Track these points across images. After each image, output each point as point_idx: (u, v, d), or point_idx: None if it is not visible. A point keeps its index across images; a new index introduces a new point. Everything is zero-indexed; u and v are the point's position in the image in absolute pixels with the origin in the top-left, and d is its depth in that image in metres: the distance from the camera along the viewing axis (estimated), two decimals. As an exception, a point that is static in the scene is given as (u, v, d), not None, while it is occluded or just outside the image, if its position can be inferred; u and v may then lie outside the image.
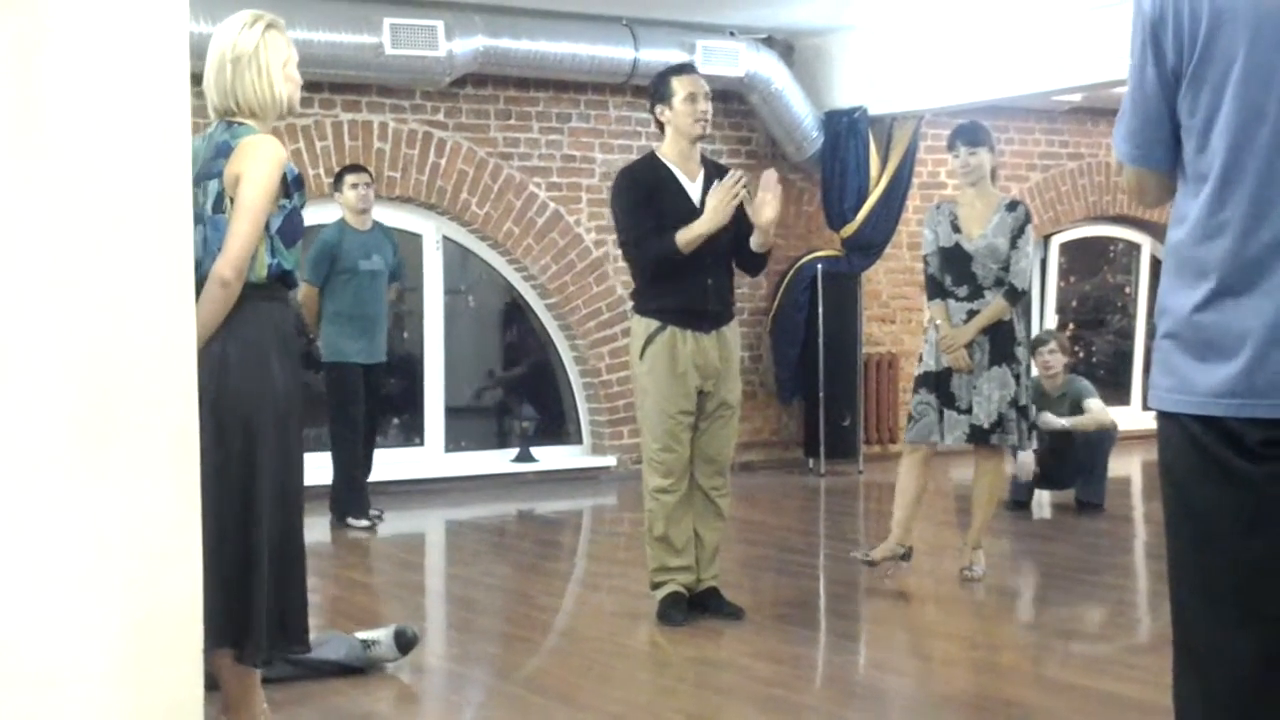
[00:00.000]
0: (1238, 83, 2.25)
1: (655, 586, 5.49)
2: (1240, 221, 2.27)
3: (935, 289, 6.20)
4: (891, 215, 10.02)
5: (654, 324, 5.33)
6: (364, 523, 7.58)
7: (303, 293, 7.64)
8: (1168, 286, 2.39)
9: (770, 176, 5.32)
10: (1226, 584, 2.31)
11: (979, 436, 6.09)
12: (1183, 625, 2.40)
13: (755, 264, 5.54)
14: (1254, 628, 2.28)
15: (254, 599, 3.54)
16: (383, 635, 4.87)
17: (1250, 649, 2.28)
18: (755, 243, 5.33)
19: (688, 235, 5.23)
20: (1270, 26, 2.22)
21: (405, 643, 4.89)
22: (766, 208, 5.24)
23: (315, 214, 8.25)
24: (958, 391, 6.09)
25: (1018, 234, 6.06)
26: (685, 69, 5.63)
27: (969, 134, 6.18)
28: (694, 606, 5.46)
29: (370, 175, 7.86)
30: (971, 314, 6.07)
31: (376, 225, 7.79)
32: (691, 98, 5.34)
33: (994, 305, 6.04)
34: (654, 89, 5.50)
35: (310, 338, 7.74)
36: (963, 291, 6.11)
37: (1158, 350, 2.40)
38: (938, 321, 6.16)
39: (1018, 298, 6.09)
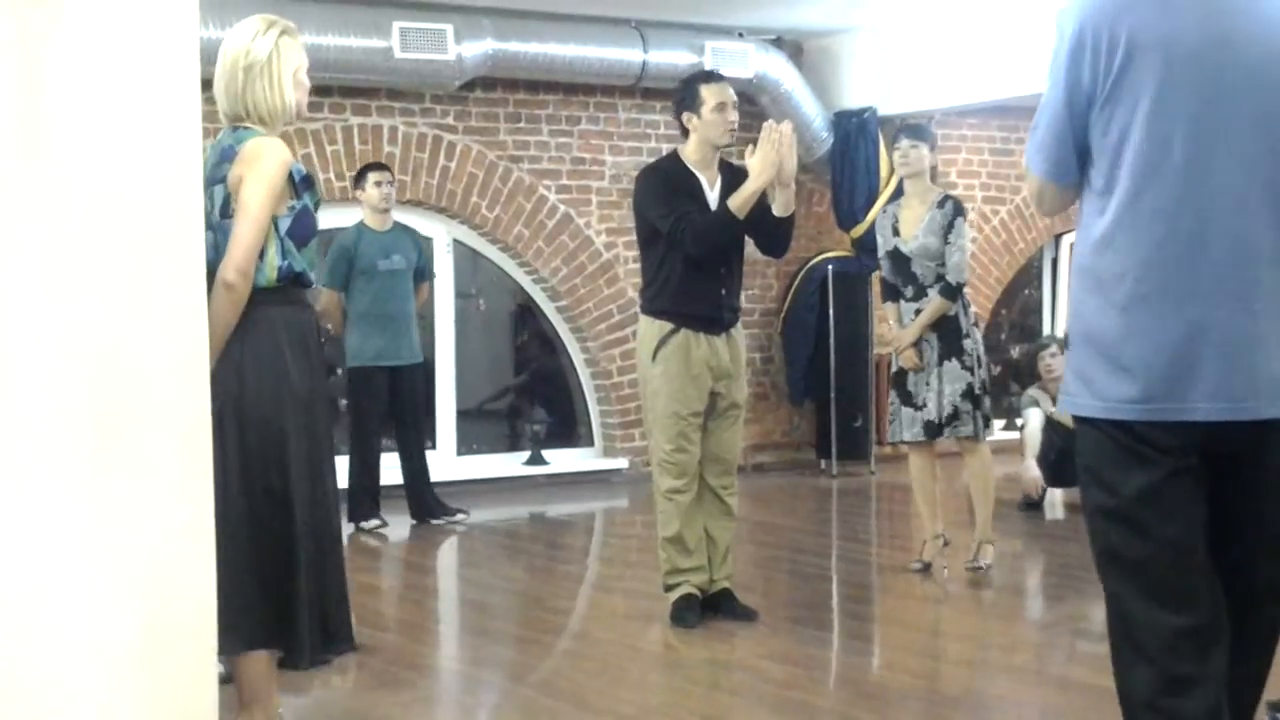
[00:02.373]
0: (1148, 112, 2.44)
1: (668, 588, 5.48)
2: (1147, 241, 2.45)
3: (889, 291, 6.36)
4: (902, 215, 9.99)
5: (667, 326, 5.33)
6: (374, 522, 7.57)
7: (325, 298, 7.67)
8: (1078, 296, 2.59)
9: (770, 128, 5.21)
10: (1155, 568, 2.52)
11: (932, 431, 6.21)
12: (1123, 619, 2.58)
13: (779, 238, 5.44)
14: (1183, 606, 2.50)
15: (298, 601, 3.55)
16: None
17: (1182, 624, 2.49)
18: (779, 204, 5.28)
19: (739, 198, 5.21)
20: (1179, 65, 2.42)
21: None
22: (776, 161, 5.16)
23: (327, 217, 8.27)
24: (913, 389, 6.25)
25: (948, 229, 6.15)
26: (713, 77, 5.57)
27: (913, 130, 6.42)
28: (707, 608, 5.46)
29: (392, 174, 7.87)
30: (919, 314, 6.20)
31: (397, 225, 7.79)
32: (721, 107, 5.32)
33: (932, 304, 6.16)
34: (681, 95, 5.46)
35: (322, 341, 7.71)
36: (909, 292, 6.26)
37: (1074, 357, 2.60)
38: (890, 322, 6.34)
39: (955, 293, 6.18)
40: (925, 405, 6.20)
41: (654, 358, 5.35)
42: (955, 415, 6.14)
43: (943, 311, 6.15)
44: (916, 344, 6.18)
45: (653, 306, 5.41)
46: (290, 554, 3.54)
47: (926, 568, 6.37)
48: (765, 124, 5.31)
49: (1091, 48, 2.48)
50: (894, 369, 6.34)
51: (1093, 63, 2.48)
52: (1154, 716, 2.52)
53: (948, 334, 6.19)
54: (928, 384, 6.19)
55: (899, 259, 6.24)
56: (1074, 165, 2.56)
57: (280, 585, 3.53)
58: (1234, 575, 2.57)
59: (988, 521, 6.31)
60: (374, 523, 7.62)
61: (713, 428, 5.43)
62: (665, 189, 5.36)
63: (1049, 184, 2.63)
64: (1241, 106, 2.44)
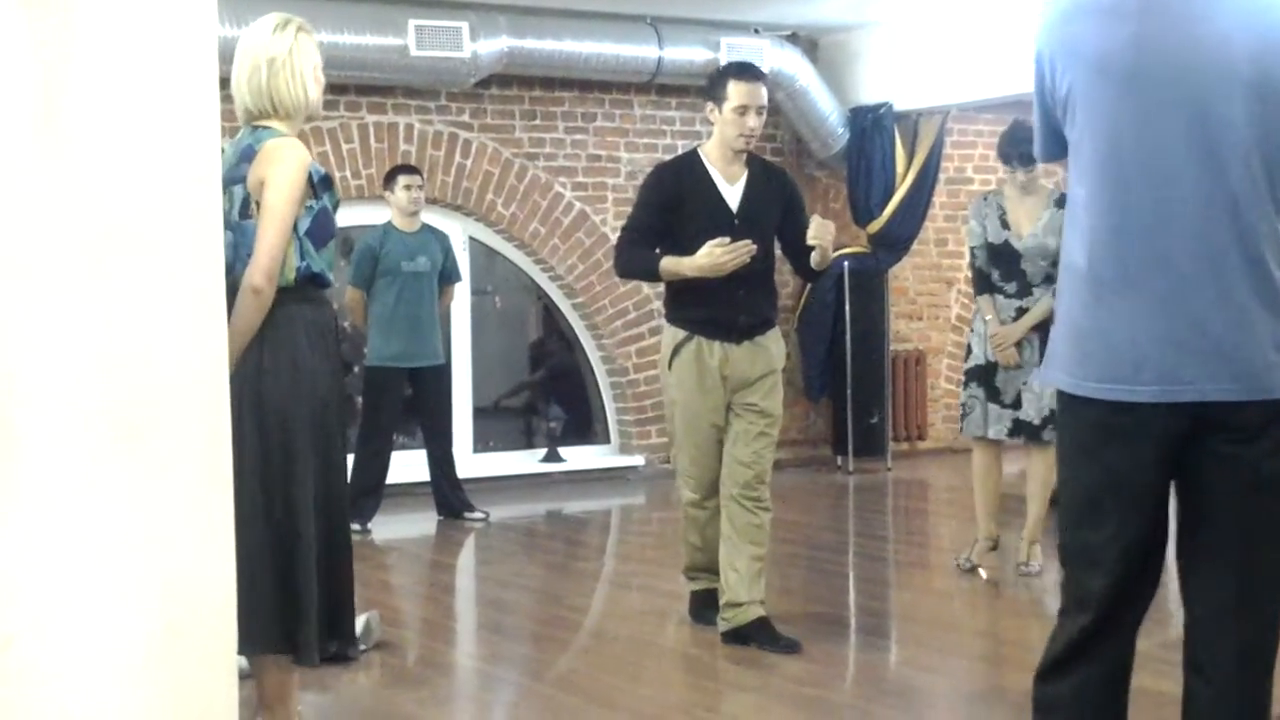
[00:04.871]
0: (1099, 116, 2.65)
1: (690, 578, 5.43)
2: (1103, 232, 2.65)
3: (983, 283, 6.15)
4: (918, 211, 9.98)
5: (681, 334, 5.14)
6: (355, 526, 7.42)
7: (348, 296, 7.67)
8: (1059, 276, 2.86)
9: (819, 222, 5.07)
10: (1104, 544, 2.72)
11: (1029, 432, 6.09)
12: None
13: (810, 276, 5.40)
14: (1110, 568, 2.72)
15: (304, 599, 3.55)
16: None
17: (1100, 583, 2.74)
18: (815, 262, 5.10)
19: (672, 267, 5.04)
20: (1119, 78, 2.62)
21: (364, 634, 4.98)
22: (821, 237, 5.02)
23: (343, 215, 8.28)
24: (1002, 386, 6.09)
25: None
26: (746, 73, 5.18)
27: (1020, 146, 6.06)
28: (736, 639, 5.07)
29: (423, 178, 7.86)
30: (1020, 311, 6.04)
31: (425, 227, 7.78)
32: (741, 110, 5.06)
33: (1043, 303, 5.98)
34: (710, 84, 5.26)
35: (339, 339, 7.70)
36: (1011, 288, 6.07)
37: (1052, 333, 2.86)
38: (987, 317, 6.13)
39: None
40: (1020, 405, 6.05)
41: (670, 366, 5.19)
42: (1051, 418, 6.03)
43: (1050, 312, 5.98)
44: (1018, 342, 6.04)
45: (670, 314, 5.27)
46: (298, 552, 3.54)
47: (974, 569, 6.24)
48: (741, 244, 4.94)
49: (1049, 62, 2.74)
50: (978, 362, 6.16)
51: (1051, 74, 2.74)
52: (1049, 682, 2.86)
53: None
54: (1024, 383, 6.06)
55: (1008, 254, 6.06)
56: (1055, 147, 2.83)
57: (289, 585, 3.53)
58: (1210, 571, 2.73)
59: (1039, 522, 6.19)
60: (355, 527, 7.43)
61: (733, 435, 5.12)
62: (654, 198, 5.20)
63: (1045, 163, 3.06)
64: (1182, 113, 2.60)
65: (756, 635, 5.04)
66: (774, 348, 5.20)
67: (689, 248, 5.01)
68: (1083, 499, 2.74)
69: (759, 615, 5.06)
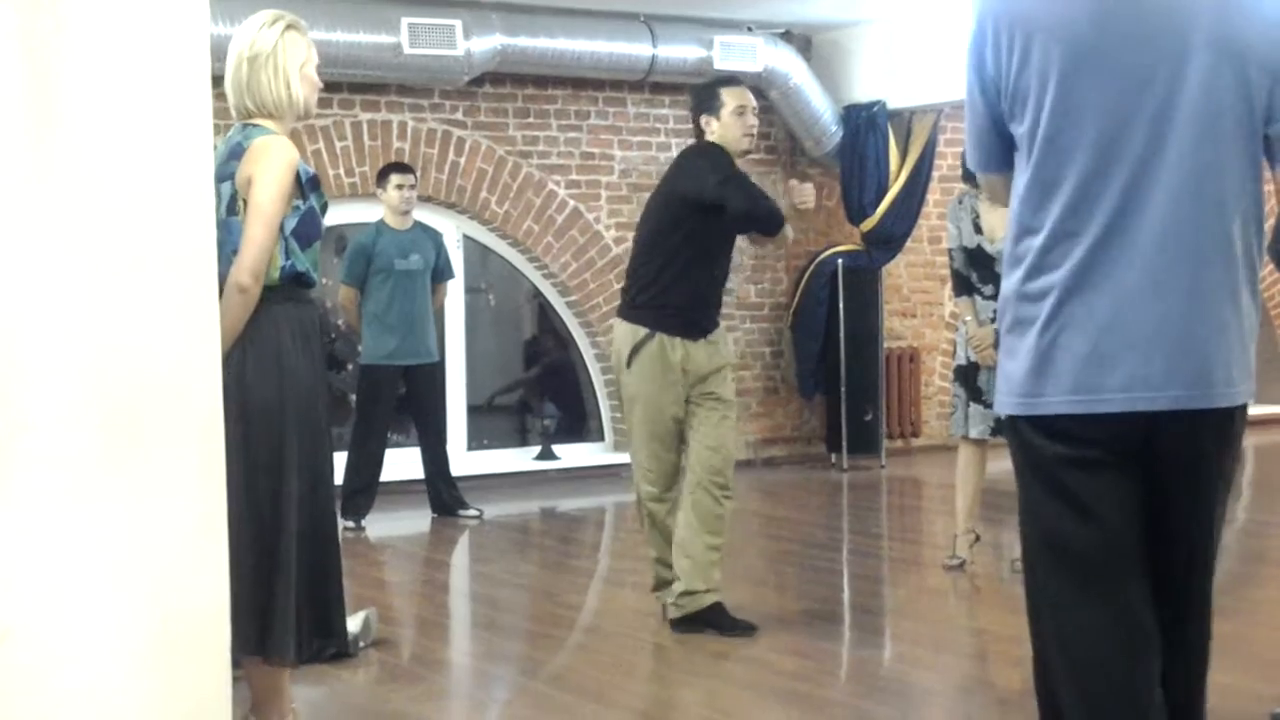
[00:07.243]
0: (1054, 101, 2.40)
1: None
2: (1061, 231, 2.42)
3: (962, 285, 6.19)
4: (912, 209, 9.99)
5: (641, 331, 5.21)
6: (349, 523, 7.43)
7: (342, 294, 7.69)
8: (1004, 287, 2.61)
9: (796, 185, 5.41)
10: (1085, 565, 2.53)
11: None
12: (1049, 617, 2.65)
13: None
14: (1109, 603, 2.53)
15: (279, 598, 3.54)
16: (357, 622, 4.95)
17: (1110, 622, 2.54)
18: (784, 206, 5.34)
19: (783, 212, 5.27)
20: (1078, 56, 2.38)
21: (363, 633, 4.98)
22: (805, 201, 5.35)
23: (338, 213, 8.29)
24: (984, 386, 6.09)
25: None
26: (734, 80, 5.47)
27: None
28: (697, 622, 5.16)
29: (415, 177, 7.85)
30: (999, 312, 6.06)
31: (417, 224, 7.77)
32: (741, 110, 5.22)
33: None
34: (700, 98, 5.34)
35: (333, 337, 7.70)
36: (989, 290, 6.06)
37: (1000, 353, 2.65)
38: (966, 319, 6.18)
39: None
40: None
41: (629, 364, 5.26)
42: None
43: None
44: (996, 343, 6.06)
45: (627, 311, 5.30)
46: (279, 552, 3.53)
47: (963, 564, 6.25)
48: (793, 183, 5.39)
49: (993, 36, 2.46)
50: (960, 362, 6.23)
51: (994, 52, 2.46)
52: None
53: None
54: None
55: (981, 257, 6.08)
56: (998, 154, 2.55)
57: (268, 584, 3.52)
58: (1167, 580, 2.52)
59: None
60: (349, 523, 7.41)
61: (696, 424, 5.24)
62: (728, 162, 5.20)
63: (984, 175, 2.65)
64: (1147, 95, 2.38)
65: (713, 620, 5.14)
66: (722, 344, 5.37)
67: (721, 236, 5.25)
68: (1051, 537, 2.51)
69: (714, 601, 5.17)
